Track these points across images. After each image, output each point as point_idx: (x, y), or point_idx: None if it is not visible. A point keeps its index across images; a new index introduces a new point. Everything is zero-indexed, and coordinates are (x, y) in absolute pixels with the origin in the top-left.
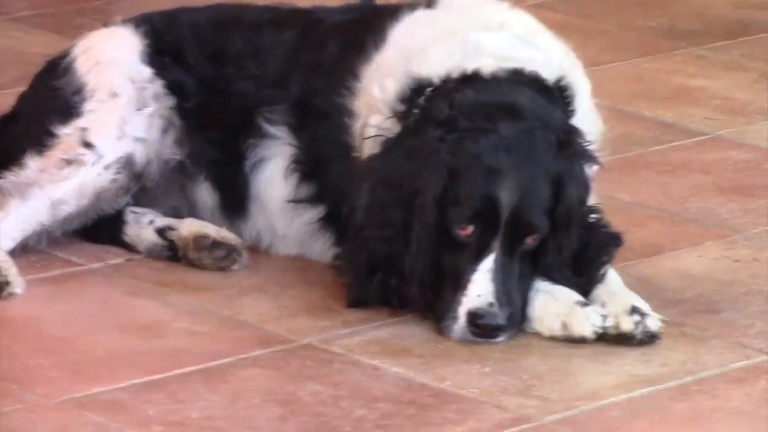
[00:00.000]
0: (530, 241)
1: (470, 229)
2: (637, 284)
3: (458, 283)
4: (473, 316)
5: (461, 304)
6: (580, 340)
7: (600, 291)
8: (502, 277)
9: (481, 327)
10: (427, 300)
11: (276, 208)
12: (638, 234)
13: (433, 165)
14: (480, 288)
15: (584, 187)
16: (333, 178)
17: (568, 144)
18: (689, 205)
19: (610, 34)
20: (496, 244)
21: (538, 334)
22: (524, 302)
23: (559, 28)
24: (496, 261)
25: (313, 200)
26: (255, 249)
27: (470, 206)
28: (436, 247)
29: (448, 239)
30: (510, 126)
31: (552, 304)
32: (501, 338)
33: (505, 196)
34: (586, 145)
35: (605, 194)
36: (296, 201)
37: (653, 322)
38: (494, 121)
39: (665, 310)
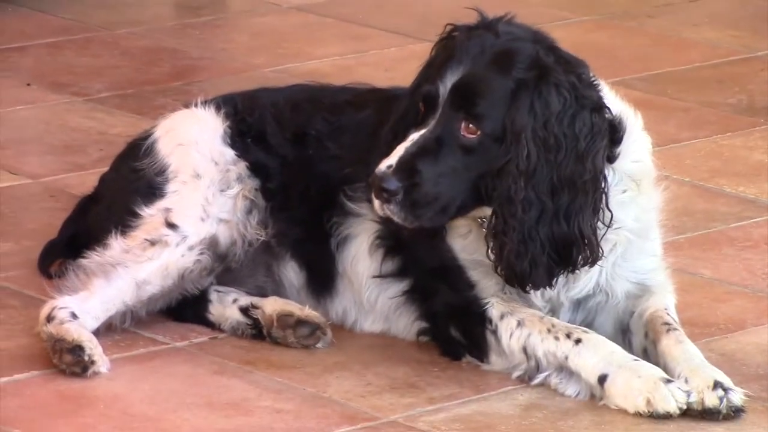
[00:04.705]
0: (468, 132)
1: (423, 106)
2: (719, 360)
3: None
4: (374, 178)
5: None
6: (665, 416)
7: (682, 367)
8: (418, 150)
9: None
10: None
11: (362, 284)
12: (721, 310)
13: None
14: (394, 156)
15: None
16: (417, 253)
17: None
18: None
19: (689, 111)
20: (433, 121)
21: (623, 411)
22: (450, 195)
23: (638, 105)
24: (423, 135)
25: (397, 275)
26: (339, 327)
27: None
28: None
29: None
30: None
31: (635, 380)
32: (393, 207)
33: (454, 76)
34: (598, 98)
35: (687, 270)
36: (381, 276)
37: (737, 397)
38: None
39: (748, 384)
